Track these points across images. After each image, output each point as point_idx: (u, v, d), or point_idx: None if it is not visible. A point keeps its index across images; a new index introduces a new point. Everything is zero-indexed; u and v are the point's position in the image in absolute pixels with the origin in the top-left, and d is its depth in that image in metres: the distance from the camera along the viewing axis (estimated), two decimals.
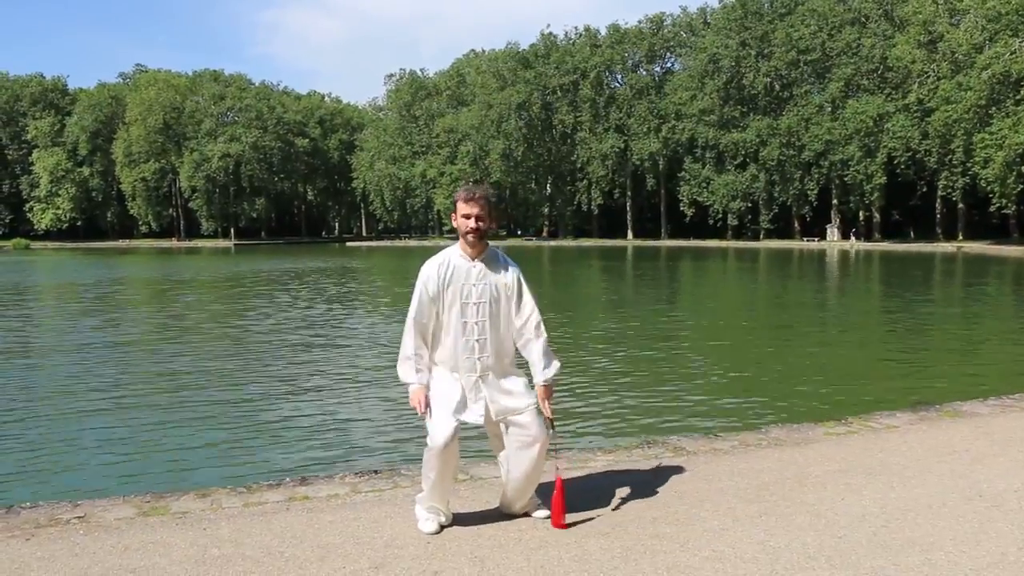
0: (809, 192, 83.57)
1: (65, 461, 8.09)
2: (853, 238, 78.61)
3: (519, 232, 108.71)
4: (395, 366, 4.82)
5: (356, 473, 5.98)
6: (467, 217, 4.59)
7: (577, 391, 11.21)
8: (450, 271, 4.62)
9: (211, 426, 9.42)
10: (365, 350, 15.54)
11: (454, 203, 4.69)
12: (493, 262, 4.72)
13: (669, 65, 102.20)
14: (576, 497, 5.15)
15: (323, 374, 12.81)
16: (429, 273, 4.64)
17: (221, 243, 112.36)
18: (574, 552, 4.28)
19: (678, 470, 5.79)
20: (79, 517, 4.98)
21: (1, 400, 10.98)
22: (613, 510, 4.94)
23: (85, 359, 14.52)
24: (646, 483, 5.47)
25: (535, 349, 4.74)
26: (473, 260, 4.66)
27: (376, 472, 5.90)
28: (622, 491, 5.31)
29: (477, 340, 4.64)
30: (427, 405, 4.56)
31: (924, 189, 77.55)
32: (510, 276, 4.73)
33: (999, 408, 7.83)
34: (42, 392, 11.60)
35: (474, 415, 4.59)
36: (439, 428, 4.48)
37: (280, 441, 8.74)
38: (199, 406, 10.50)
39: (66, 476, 7.61)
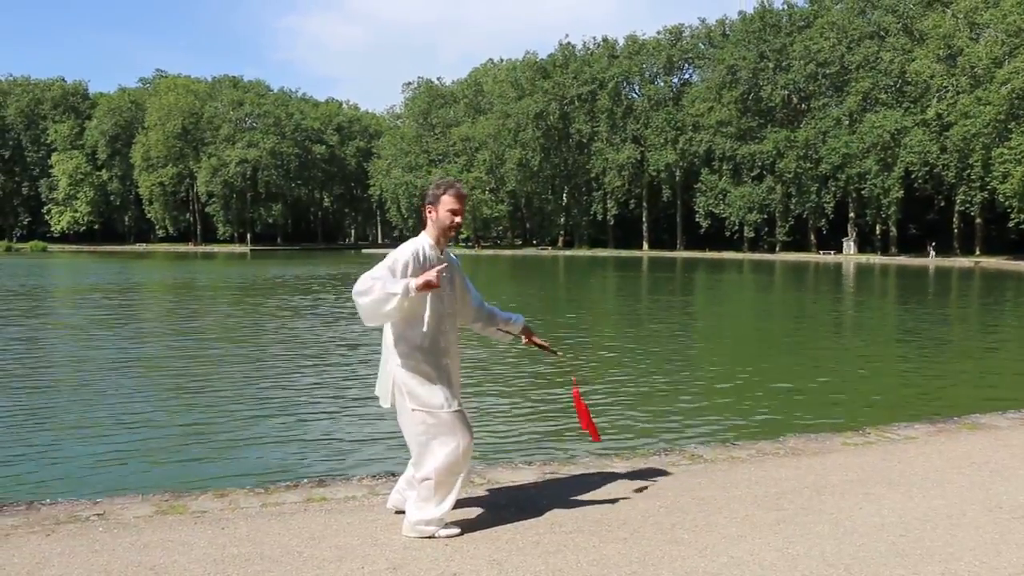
0: (826, 205, 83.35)
1: (84, 460, 8.13)
2: (932, 252, 74.36)
3: (535, 242, 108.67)
4: None
5: (373, 476, 6.00)
6: (454, 213, 4.70)
7: (595, 398, 11.20)
8: (424, 260, 4.60)
9: (229, 428, 9.45)
10: None
11: (437, 196, 4.70)
12: (447, 253, 4.85)
13: (687, 76, 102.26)
14: (594, 503, 5.17)
15: (342, 379, 12.84)
16: (405, 255, 4.56)
17: (237, 248, 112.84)
18: (592, 556, 4.27)
19: (696, 478, 5.78)
20: (98, 514, 5.00)
21: (23, 400, 11.06)
22: (630, 516, 4.93)
23: (105, 361, 14.60)
24: (664, 490, 5.46)
25: (496, 312, 5.15)
26: (441, 252, 4.75)
27: (393, 475, 5.90)
28: (640, 497, 5.31)
29: (450, 326, 4.77)
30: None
31: (942, 204, 77.19)
32: (459, 265, 4.98)
33: (1019, 421, 7.78)
34: (62, 393, 11.67)
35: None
36: (461, 423, 4.57)
37: (298, 444, 8.76)
38: (217, 409, 10.55)
39: (85, 474, 7.65)
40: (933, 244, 75.86)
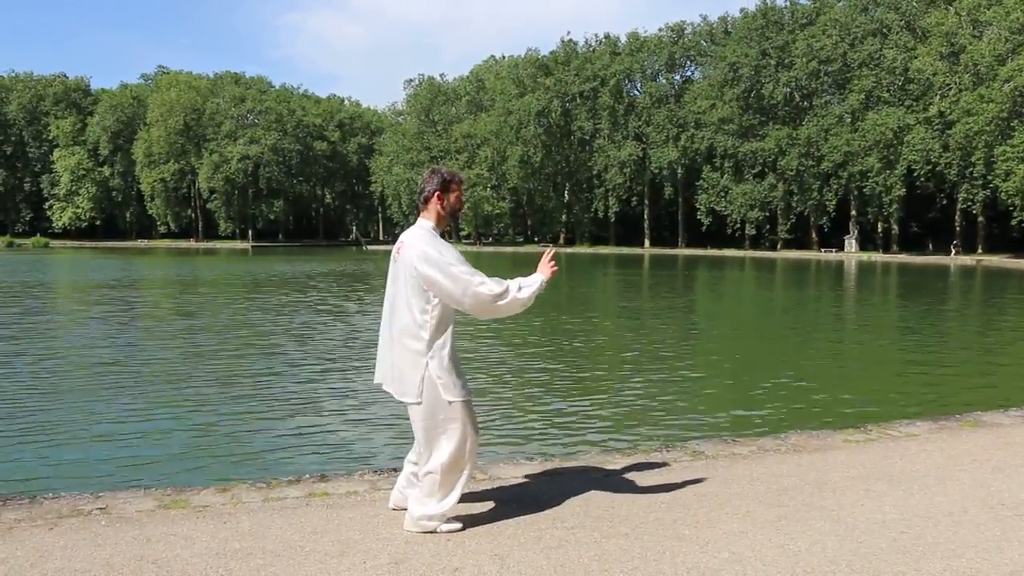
0: (827, 203, 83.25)
1: (86, 454, 8.14)
2: (954, 251, 73.23)
3: (536, 239, 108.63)
4: None
5: (375, 471, 6.00)
6: (460, 199, 4.75)
7: (597, 395, 11.21)
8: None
9: (231, 423, 9.46)
10: None
11: (447, 183, 4.70)
12: None
13: (689, 74, 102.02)
14: (596, 499, 5.17)
15: (345, 374, 12.85)
16: (450, 246, 4.61)
17: (239, 244, 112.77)
18: (594, 552, 4.28)
19: (697, 473, 5.78)
20: (101, 508, 5.01)
21: (24, 393, 11.07)
22: (632, 512, 4.94)
23: (108, 356, 14.61)
24: (665, 486, 5.47)
25: None
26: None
27: (395, 470, 5.90)
28: (641, 493, 5.32)
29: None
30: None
31: (944, 202, 77.10)
32: None
33: (1020, 419, 7.78)
34: (63, 387, 11.68)
35: None
36: (472, 417, 4.58)
37: (300, 439, 8.76)
38: (219, 404, 10.55)
39: (87, 469, 7.66)
40: (956, 243, 75.04)
